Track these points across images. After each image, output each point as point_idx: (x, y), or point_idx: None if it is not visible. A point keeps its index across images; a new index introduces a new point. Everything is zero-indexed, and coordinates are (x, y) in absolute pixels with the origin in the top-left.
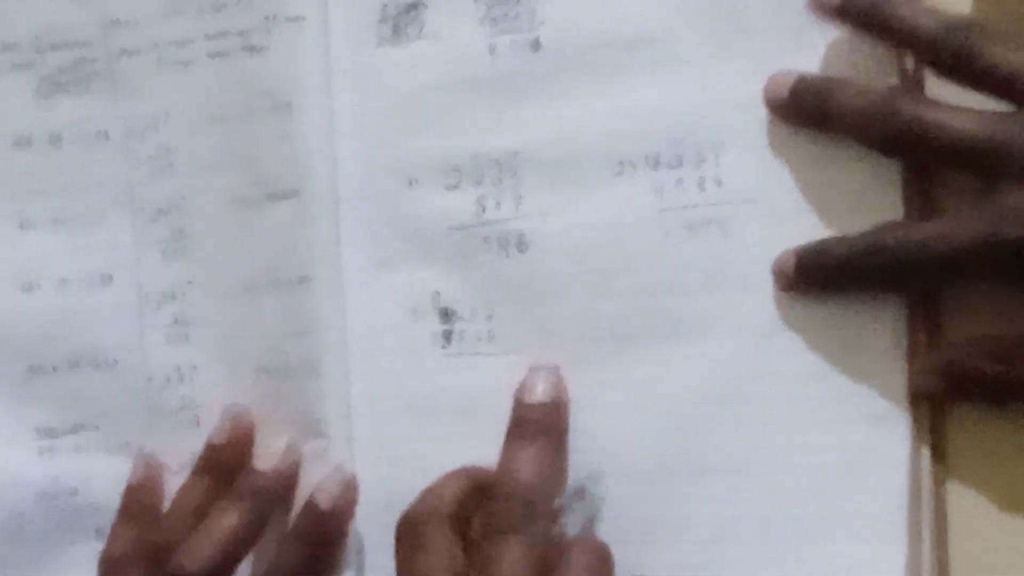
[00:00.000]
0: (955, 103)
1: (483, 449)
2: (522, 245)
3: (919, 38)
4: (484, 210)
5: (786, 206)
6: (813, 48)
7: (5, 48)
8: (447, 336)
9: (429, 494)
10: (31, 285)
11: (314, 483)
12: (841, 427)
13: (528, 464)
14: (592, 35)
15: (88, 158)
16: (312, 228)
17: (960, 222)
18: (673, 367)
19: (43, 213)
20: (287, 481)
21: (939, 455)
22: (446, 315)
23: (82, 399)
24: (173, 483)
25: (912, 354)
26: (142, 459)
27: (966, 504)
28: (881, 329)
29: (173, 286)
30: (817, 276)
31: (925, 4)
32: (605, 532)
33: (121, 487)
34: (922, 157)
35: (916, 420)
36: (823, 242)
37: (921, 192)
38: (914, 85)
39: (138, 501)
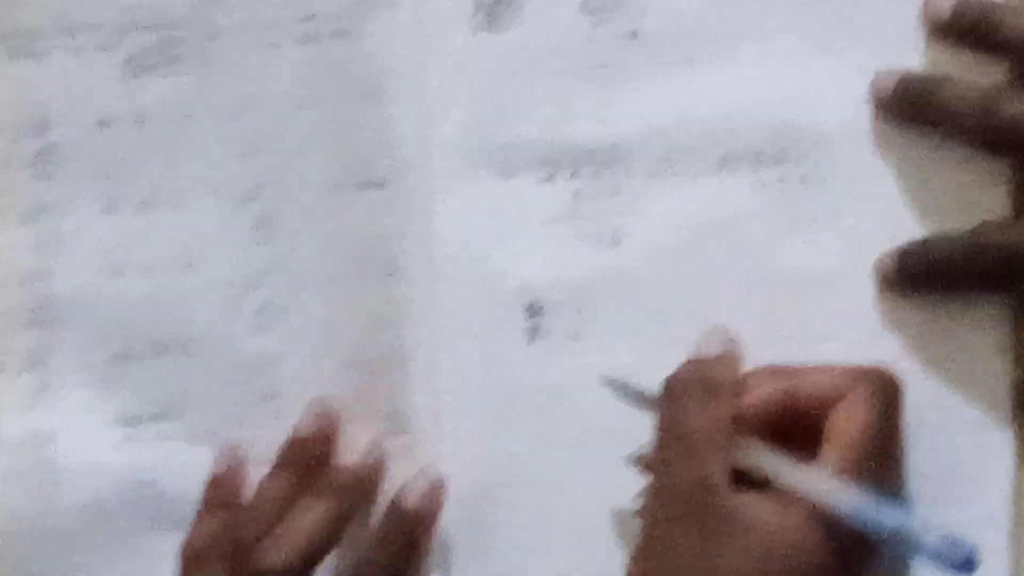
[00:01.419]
0: None
1: (570, 448)
2: (615, 240)
3: (1021, 42)
4: (579, 203)
5: (889, 205)
6: (920, 45)
7: (90, 28)
8: (534, 331)
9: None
10: (117, 269)
11: (401, 479)
12: (943, 433)
13: None
14: (694, 26)
15: (174, 140)
16: (403, 218)
17: None
18: (772, 359)
19: (128, 196)
20: (372, 477)
21: None
22: (533, 309)
23: (166, 387)
24: (257, 474)
25: (1017, 359)
26: (226, 450)
27: None
28: (984, 332)
29: (259, 273)
30: (919, 275)
31: None
32: None
33: (203, 478)
34: None
35: (1021, 429)
36: (925, 241)
37: None
38: (1021, 83)
39: (220, 493)
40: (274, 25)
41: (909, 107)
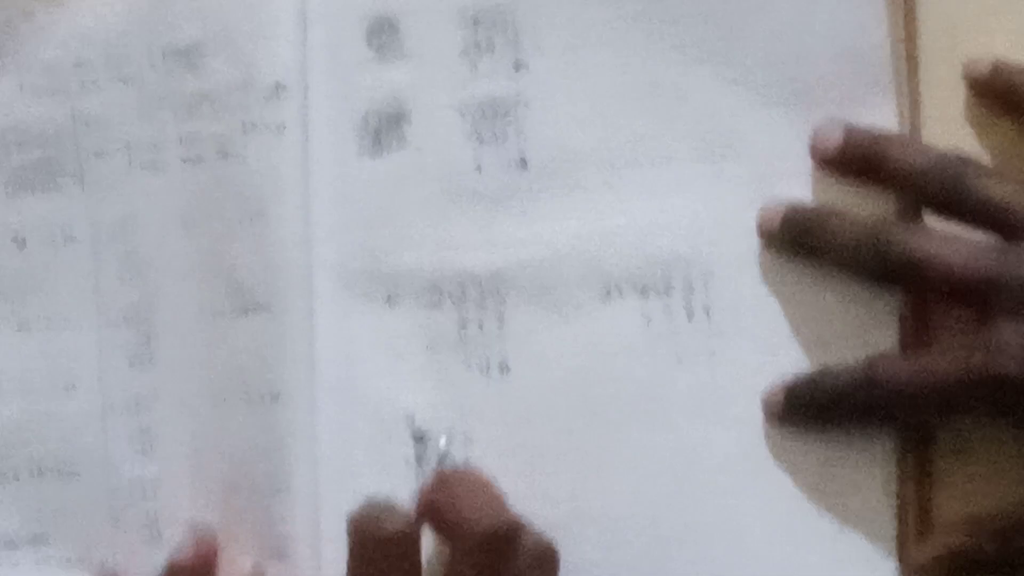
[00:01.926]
0: (950, 234)
1: None
2: (504, 368)
3: (911, 175)
4: (465, 331)
5: (777, 338)
6: (809, 176)
7: None
8: (420, 459)
9: None
10: None
11: None
12: (829, 571)
13: None
14: (581, 154)
15: (53, 260)
16: (284, 343)
17: (953, 356)
18: (656, 502)
19: (6, 317)
20: None
21: None
22: (420, 437)
23: (43, 509)
24: None
25: (901, 499)
26: (103, 575)
27: None
28: (870, 467)
29: (138, 396)
30: (807, 409)
31: (917, 143)
32: None
33: None
34: (914, 289)
35: (903, 567)
36: (813, 374)
37: (917, 324)
38: (910, 215)
39: None
40: (157, 145)
41: (797, 239)
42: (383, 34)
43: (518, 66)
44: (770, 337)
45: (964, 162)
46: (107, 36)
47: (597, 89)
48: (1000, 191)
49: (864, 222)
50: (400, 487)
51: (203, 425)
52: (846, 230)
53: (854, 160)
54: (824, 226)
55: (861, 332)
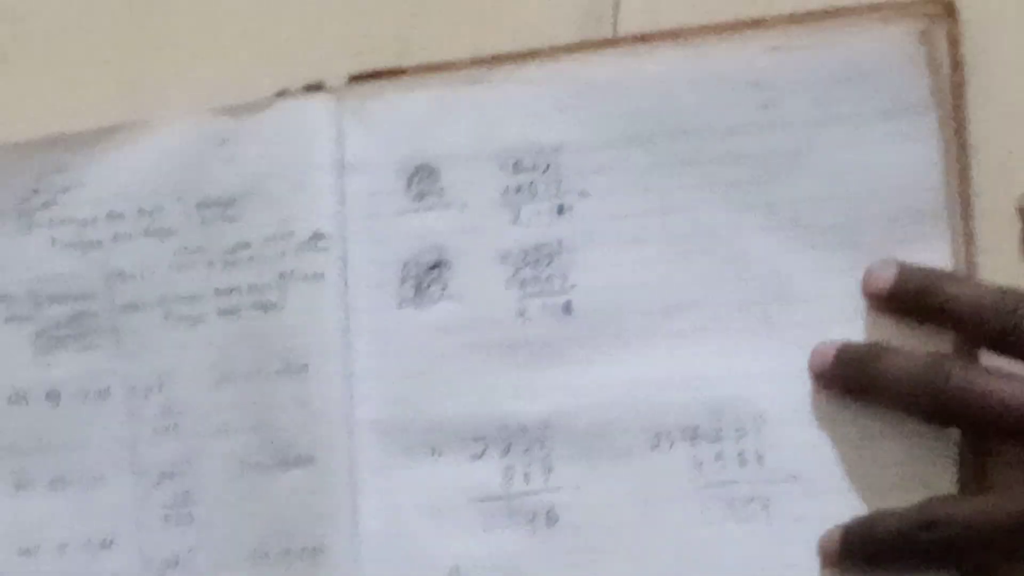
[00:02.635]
0: (1008, 371)
1: None
2: (551, 519)
3: (967, 312)
4: (511, 481)
5: (831, 483)
6: (861, 318)
7: (1, 299)
8: None
9: None
10: (29, 549)
11: None
12: None
13: None
14: (627, 299)
15: (88, 416)
16: (327, 498)
17: (1012, 498)
18: None
19: (41, 473)
20: None
21: None
22: None
23: None
24: None
25: None
26: None
27: None
28: None
29: (176, 553)
30: (864, 553)
31: (972, 281)
32: None
33: None
34: (972, 428)
35: None
36: (870, 516)
37: (975, 465)
38: (967, 353)
39: None
40: (193, 298)
41: (850, 378)
42: (423, 181)
43: (561, 210)
44: (825, 483)
45: (1021, 297)
46: (141, 189)
47: (642, 234)
48: None
49: (920, 358)
50: None
51: None
52: (901, 366)
53: (908, 298)
54: (878, 363)
55: (919, 475)
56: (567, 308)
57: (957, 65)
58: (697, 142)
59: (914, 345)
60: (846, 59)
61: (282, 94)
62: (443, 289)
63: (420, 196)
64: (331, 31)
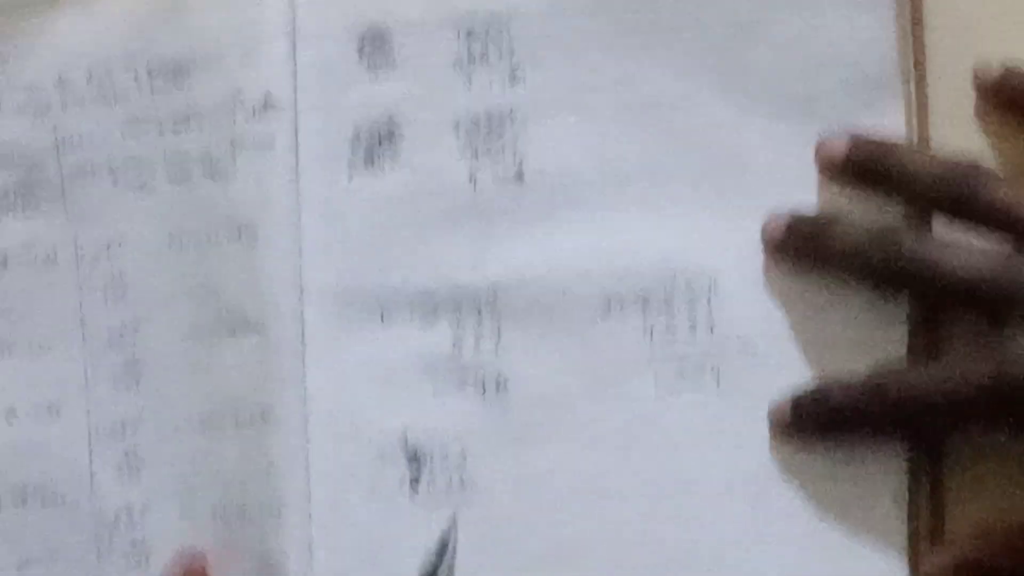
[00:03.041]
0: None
1: None
2: (501, 386)
3: (919, 182)
4: (461, 349)
5: (782, 351)
6: (813, 187)
7: None
8: (415, 481)
9: None
10: None
11: None
12: None
13: None
14: (579, 168)
15: (36, 282)
16: (275, 364)
17: (964, 366)
18: (662, 524)
19: None
20: None
21: None
22: (414, 459)
23: (29, 537)
24: None
25: (912, 510)
26: None
27: None
28: (880, 481)
29: (124, 420)
30: (814, 423)
31: (925, 150)
32: None
33: None
34: (922, 296)
35: None
36: (820, 387)
37: (926, 333)
38: (918, 223)
39: None
40: (142, 164)
41: (803, 247)
42: (374, 47)
43: (514, 79)
44: (775, 351)
45: (974, 168)
46: (90, 54)
47: (595, 103)
48: (1010, 197)
49: (871, 227)
50: (394, 509)
51: (191, 449)
52: (852, 235)
53: (861, 168)
54: (830, 232)
55: (869, 343)
56: (518, 176)
57: None
58: (652, 12)
59: (866, 215)
60: None
61: None
62: (394, 157)
63: (372, 64)
64: None
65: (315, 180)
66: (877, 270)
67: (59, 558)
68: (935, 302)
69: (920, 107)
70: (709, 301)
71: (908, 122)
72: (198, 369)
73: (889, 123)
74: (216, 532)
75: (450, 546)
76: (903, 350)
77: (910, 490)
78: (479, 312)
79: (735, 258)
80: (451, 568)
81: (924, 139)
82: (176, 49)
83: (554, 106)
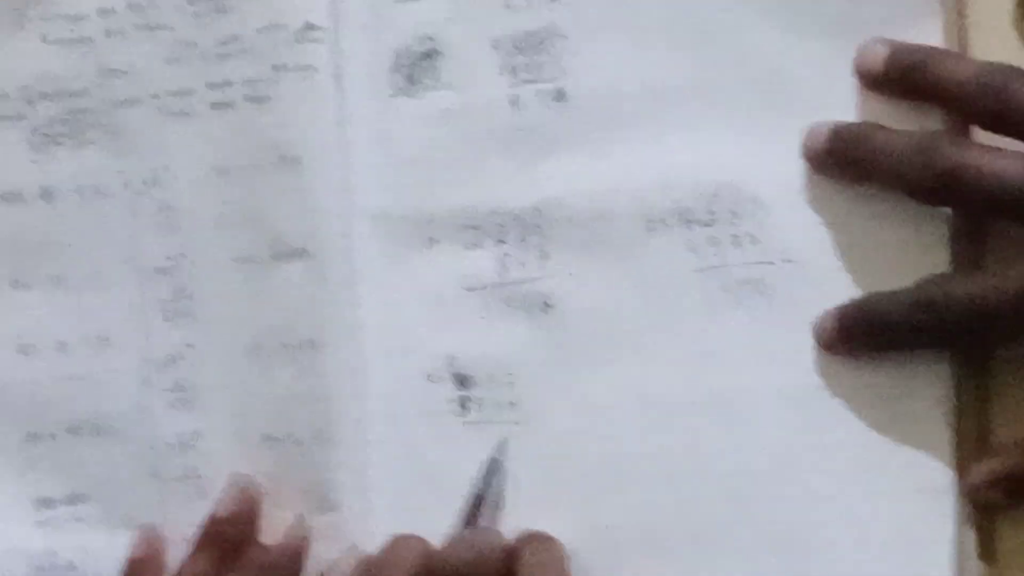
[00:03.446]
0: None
1: (505, 524)
2: (547, 307)
3: (957, 88)
4: (506, 269)
5: (827, 264)
6: (854, 100)
7: None
8: (464, 403)
9: None
10: (28, 348)
11: (327, 558)
12: (886, 500)
13: None
14: (620, 85)
15: (84, 214)
16: (324, 289)
17: (1006, 276)
18: (709, 437)
19: (38, 272)
20: (295, 558)
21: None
22: (461, 381)
23: (82, 468)
24: (177, 556)
25: (959, 420)
26: (143, 532)
27: None
28: (926, 392)
29: (175, 349)
30: (860, 335)
31: (962, 56)
32: None
33: (121, 562)
34: (965, 205)
35: (962, 492)
36: (866, 299)
37: (970, 244)
38: (958, 130)
39: None
40: (186, 92)
41: (843, 159)
42: None
43: None
44: (820, 265)
45: (1011, 72)
46: None
47: (636, 21)
48: None
49: (911, 135)
50: (445, 431)
51: (243, 376)
52: (893, 144)
53: (899, 76)
54: (871, 141)
55: (913, 255)
56: (560, 95)
57: None
58: None
59: (907, 124)
60: None
61: None
62: (436, 78)
63: None
64: None
65: (358, 104)
66: (917, 178)
67: (112, 487)
68: (977, 211)
69: (959, 16)
70: (753, 215)
71: (946, 30)
72: (247, 297)
73: (927, 33)
74: (268, 458)
75: (500, 467)
76: (947, 262)
77: (956, 401)
78: (524, 233)
79: (779, 174)
80: (501, 488)
81: (962, 47)
82: None
83: (595, 25)
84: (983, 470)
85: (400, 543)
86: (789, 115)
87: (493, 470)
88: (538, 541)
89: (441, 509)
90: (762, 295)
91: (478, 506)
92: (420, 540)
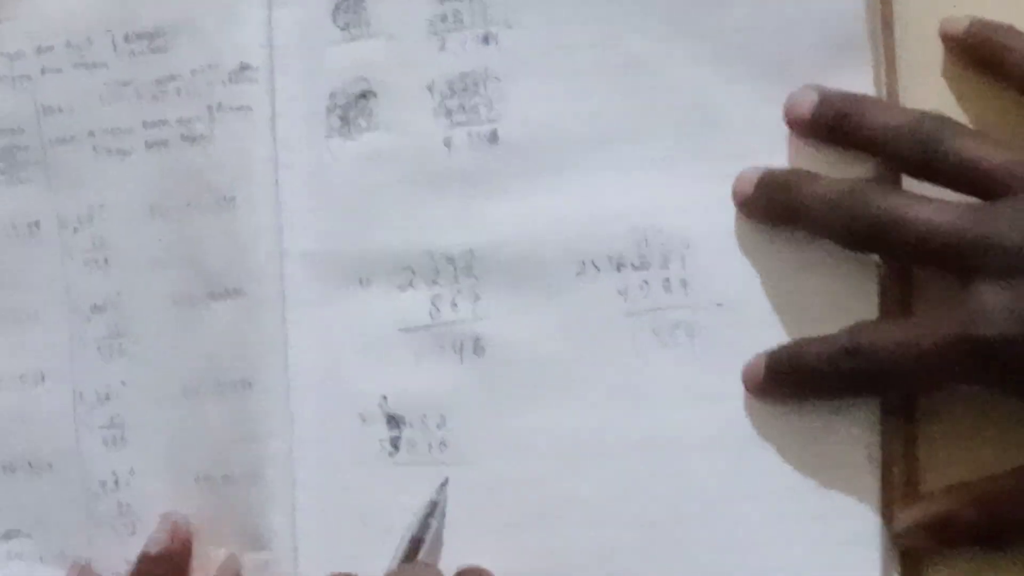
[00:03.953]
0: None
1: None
2: (479, 348)
3: (887, 136)
4: (439, 311)
5: (756, 309)
6: (785, 147)
7: None
8: (395, 443)
9: None
10: None
11: None
12: (815, 546)
13: None
14: (553, 129)
15: (18, 250)
16: (256, 329)
17: (933, 322)
18: (638, 482)
19: None
20: None
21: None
22: (394, 421)
23: (16, 504)
24: None
25: (886, 469)
26: (76, 570)
27: None
28: (854, 438)
29: (109, 387)
30: (788, 381)
31: (892, 104)
32: None
33: None
34: (893, 253)
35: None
36: (794, 345)
37: (898, 291)
38: (888, 179)
39: None
40: (122, 131)
41: (773, 204)
42: (349, 11)
43: (487, 39)
44: (750, 310)
45: (941, 121)
46: (69, 22)
47: (569, 63)
48: (978, 150)
49: (841, 183)
50: (376, 472)
51: (176, 415)
52: (822, 191)
53: (830, 123)
54: (800, 188)
55: (841, 302)
56: (493, 137)
57: None
58: None
59: (839, 170)
60: None
61: None
62: (370, 119)
63: (346, 26)
64: None
65: (293, 144)
66: (846, 225)
67: (47, 524)
68: (905, 259)
69: (888, 62)
70: (683, 260)
71: (877, 80)
72: (181, 336)
73: (859, 81)
74: (201, 497)
75: (439, 508)
76: (875, 309)
77: (884, 447)
78: (456, 275)
79: (709, 218)
80: (440, 530)
81: (893, 95)
82: (154, 15)
83: (528, 67)
84: (912, 514)
85: None
86: (721, 157)
87: (432, 511)
88: (472, 574)
89: (371, 549)
90: (691, 339)
91: (416, 549)
92: None
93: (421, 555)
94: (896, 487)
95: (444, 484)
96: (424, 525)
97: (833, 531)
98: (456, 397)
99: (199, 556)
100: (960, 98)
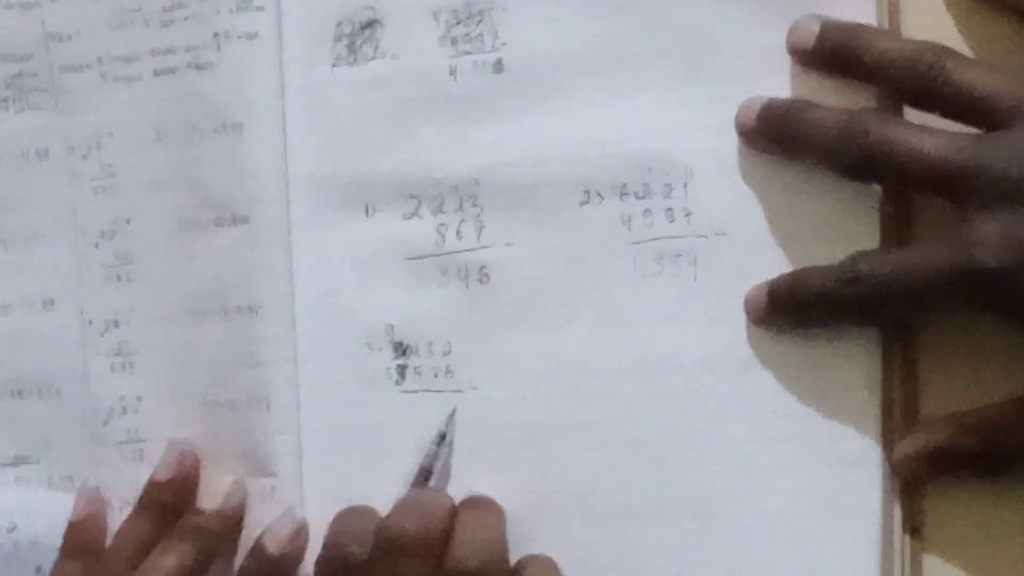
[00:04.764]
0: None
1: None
2: (484, 276)
3: (888, 66)
4: (444, 239)
5: (758, 238)
6: (787, 73)
7: None
8: (401, 371)
9: None
10: None
11: (263, 522)
12: (812, 470)
13: None
14: (557, 57)
15: (28, 176)
16: (262, 255)
17: (932, 251)
18: (639, 405)
19: None
20: (232, 521)
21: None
22: (400, 349)
23: (24, 430)
24: (118, 518)
25: (885, 394)
26: (85, 494)
27: (941, 552)
28: (854, 365)
29: (116, 312)
30: (789, 309)
31: (894, 34)
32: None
33: (63, 522)
34: (892, 182)
35: (888, 463)
36: (795, 274)
37: (898, 220)
38: (889, 108)
39: (80, 538)
40: (130, 58)
41: (774, 134)
42: None
43: None
44: (751, 238)
45: (942, 51)
46: None
47: None
48: (978, 80)
49: (842, 113)
50: (382, 398)
51: (182, 340)
52: (823, 121)
53: (831, 53)
54: (802, 117)
55: (842, 230)
56: (498, 66)
57: None
58: None
59: (838, 101)
60: None
61: None
62: (376, 47)
63: None
64: None
65: (298, 71)
66: (847, 155)
67: (54, 451)
68: (905, 188)
69: None
70: (685, 188)
71: (879, 8)
72: (187, 261)
73: (860, 9)
74: (207, 423)
75: (447, 438)
76: (876, 237)
77: (884, 375)
78: (461, 204)
79: (710, 145)
80: (448, 460)
81: (894, 24)
82: None
83: None
84: (909, 445)
85: (349, 516)
86: (724, 86)
87: (440, 442)
88: (477, 502)
89: (376, 476)
90: (693, 267)
91: (426, 479)
92: (368, 511)
93: (431, 484)
94: (896, 415)
95: (452, 415)
96: (434, 455)
97: (833, 455)
98: (462, 324)
99: (206, 481)
100: (961, 28)
